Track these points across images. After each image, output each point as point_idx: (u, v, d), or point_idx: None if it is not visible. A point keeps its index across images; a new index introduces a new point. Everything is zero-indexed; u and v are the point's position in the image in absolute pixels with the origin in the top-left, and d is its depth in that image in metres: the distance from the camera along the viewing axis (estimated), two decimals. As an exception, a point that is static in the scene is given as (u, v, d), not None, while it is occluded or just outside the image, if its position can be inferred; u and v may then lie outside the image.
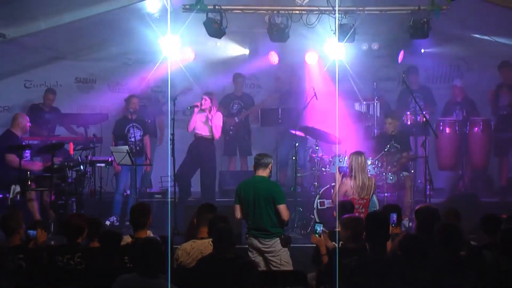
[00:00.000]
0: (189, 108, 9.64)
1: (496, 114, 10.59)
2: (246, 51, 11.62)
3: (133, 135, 9.73)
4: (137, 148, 9.68)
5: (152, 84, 11.36)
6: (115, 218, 9.60)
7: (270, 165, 7.16)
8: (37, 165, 9.22)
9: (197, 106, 9.53)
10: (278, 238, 6.97)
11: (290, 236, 7.38)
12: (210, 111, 9.54)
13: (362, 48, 11.19)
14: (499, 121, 10.53)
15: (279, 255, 6.96)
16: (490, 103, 10.67)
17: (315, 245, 6.41)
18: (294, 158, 9.46)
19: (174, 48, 10.87)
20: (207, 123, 9.60)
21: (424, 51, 11.43)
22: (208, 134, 9.67)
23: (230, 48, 11.35)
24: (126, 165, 9.33)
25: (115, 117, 10.54)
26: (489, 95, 10.62)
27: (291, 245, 7.10)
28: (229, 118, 10.88)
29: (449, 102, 11.00)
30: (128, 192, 9.88)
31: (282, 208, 6.97)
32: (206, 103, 9.55)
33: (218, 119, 9.68)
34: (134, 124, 9.79)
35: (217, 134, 9.70)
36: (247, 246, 7.10)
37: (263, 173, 7.11)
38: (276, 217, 6.99)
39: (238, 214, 7.12)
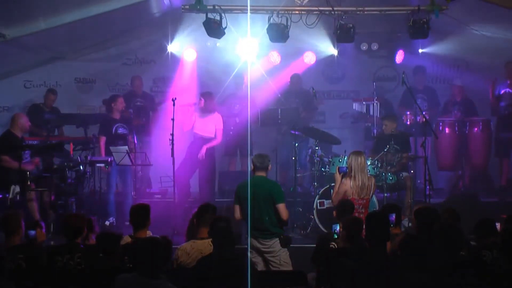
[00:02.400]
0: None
1: (498, 114, 10.50)
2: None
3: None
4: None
5: (152, 84, 11.37)
6: (113, 219, 9.58)
7: (269, 165, 7.16)
8: (30, 166, 8.99)
9: (191, 105, 9.53)
10: (278, 239, 6.97)
11: (290, 236, 7.38)
12: (212, 113, 9.53)
13: (362, 48, 11.21)
14: (500, 121, 10.44)
15: (279, 255, 6.96)
16: (491, 102, 10.58)
17: (315, 245, 6.43)
18: (294, 158, 9.46)
19: (175, 48, 10.93)
20: (209, 124, 9.59)
21: (423, 51, 11.43)
22: (207, 135, 9.65)
23: (230, 48, 11.35)
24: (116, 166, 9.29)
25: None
26: (490, 94, 10.48)
27: (291, 245, 7.10)
28: (230, 118, 10.86)
29: (448, 102, 10.96)
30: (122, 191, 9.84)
31: (282, 207, 6.98)
32: (201, 103, 9.56)
33: (219, 122, 9.69)
34: (120, 124, 9.77)
35: (220, 137, 9.70)
36: (247, 246, 7.10)
37: (262, 173, 7.11)
38: (276, 217, 6.99)
39: (237, 215, 7.11)
